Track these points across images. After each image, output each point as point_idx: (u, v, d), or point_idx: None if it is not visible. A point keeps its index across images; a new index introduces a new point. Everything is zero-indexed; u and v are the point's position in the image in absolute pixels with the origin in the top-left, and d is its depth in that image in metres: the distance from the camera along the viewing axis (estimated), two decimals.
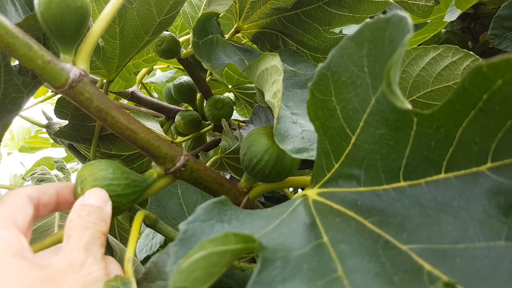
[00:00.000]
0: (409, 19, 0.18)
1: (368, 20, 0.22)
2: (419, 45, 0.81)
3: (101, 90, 0.33)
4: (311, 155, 0.31)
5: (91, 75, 0.58)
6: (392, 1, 0.56)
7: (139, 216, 0.34)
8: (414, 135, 0.23)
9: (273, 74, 0.37)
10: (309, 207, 0.26)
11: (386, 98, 0.22)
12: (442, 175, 0.23)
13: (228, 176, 0.82)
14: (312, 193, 0.29)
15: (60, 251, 0.28)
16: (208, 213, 0.24)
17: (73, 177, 0.82)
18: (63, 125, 0.56)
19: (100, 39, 0.47)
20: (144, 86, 1.04)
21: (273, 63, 0.37)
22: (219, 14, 0.42)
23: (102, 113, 0.33)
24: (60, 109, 0.56)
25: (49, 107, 1.01)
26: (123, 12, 0.46)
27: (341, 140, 0.26)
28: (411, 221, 0.23)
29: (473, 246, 0.20)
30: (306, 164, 0.62)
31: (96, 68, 0.50)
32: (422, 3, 0.53)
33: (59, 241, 0.34)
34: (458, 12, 0.66)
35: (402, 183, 0.24)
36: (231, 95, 1.07)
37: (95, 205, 0.31)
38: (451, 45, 0.38)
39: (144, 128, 0.35)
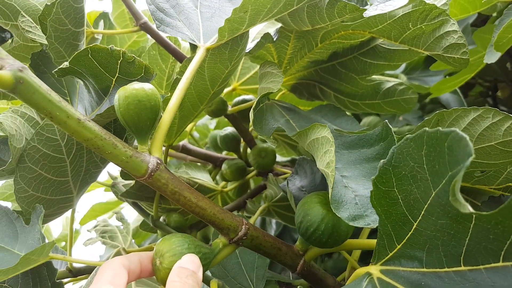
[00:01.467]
0: (469, 142, 0.21)
1: (426, 128, 0.25)
2: (460, 86, 0.82)
3: (174, 174, 0.38)
4: (367, 223, 0.33)
5: None
6: (427, 53, 0.58)
7: (213, 285, 0.37)
8: (473, 228, 0.25)
9: (324, 145, 0.40)
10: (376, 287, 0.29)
11: (447, 196, 0.25)
12: (500, 264, 0.25)
13: (274, 221, 0.85)
14: (375, 270, 0.31)
15: None
16: None
17: (128, 215, 0.87)
18: (127, 184, 0.62)
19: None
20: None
21: (324, 134, 0.41)
22: (273, 92, 0.46)
23: (176, 195, 0.37)
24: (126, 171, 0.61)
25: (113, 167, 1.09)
26: None
27: (403, 225, 0.29)
28: None
29: None
30: None
31: None
32: (458, 56, 0.55)
33: None
34: (498, 54, 0.67)
35: (463, 268, 0.26)
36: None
37: (191, 269, 0.35)
38: (490, 107, 0.39)
39: (210, 203, 0.39)
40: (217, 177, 0.86)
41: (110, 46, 0.42)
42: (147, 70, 0.42)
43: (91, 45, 0.41)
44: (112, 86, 0.44)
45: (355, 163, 0.43)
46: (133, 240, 0.76)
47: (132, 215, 1.07)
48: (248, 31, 0.49)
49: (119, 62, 0.42)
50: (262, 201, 0.75)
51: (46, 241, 0.37)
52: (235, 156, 0.82)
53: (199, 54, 0.45)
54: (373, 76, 0.72)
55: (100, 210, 1.10)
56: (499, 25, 0.65)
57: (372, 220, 0.33)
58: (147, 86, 0.39)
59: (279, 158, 1.03)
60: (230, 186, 0.77)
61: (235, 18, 0.41)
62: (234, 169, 0.75)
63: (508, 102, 1.50)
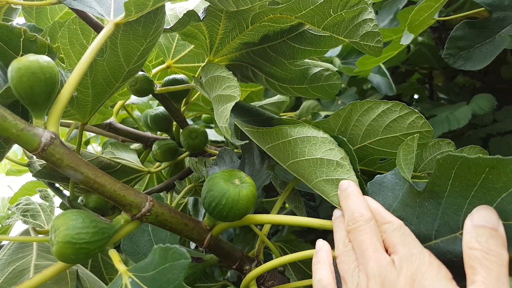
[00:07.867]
0: None
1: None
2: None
3: (70, 149, 0.37)
4: None
5: (65, 121, 0.62)
6: (346, 40, 0.61)
7: (113, 254, 0.38)
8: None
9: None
10: None
11: None
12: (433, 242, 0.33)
13: None
14: None
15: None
16: None
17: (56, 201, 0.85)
18: (43, 163, 0.59)
19: None
20: (125, 108, 1.07)
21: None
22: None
23: (72, 171, 0.37)
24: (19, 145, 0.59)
25: None
26: (93, 65, 0.50)
27: None
28: None
29: None
30: (272, 192, 0.66)
31: (71, 115, 0.53)
32: (373, 44, 0.57)
33: (36, 285, 0.37)
34: (412, 36, 0.71)
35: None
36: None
37: (489, 226, 0.27)
38: (399, 102, 0.43)
39: (111, 180, 0.39)
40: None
41: (10, 23, 0.41)
42: (50, 50, 0.41)
43: None
44: None
45: None
46: None
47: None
48: (161, 7, 0.48)
49: (22, 40, 0.41)
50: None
51: None
52: (167, 136, 0.82)
53: (106, 29, 0.44)
54: (303, 61, 0.74)
55: (32, 189, 1.06)
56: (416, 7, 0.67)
57: None
58: (43, 58, 0.37)
59: (218, 138, 1.04)
60: (160, 167, 0.76)
61: None
62: (164, 150, 0.75)
63: (445, 89, 1.60)
